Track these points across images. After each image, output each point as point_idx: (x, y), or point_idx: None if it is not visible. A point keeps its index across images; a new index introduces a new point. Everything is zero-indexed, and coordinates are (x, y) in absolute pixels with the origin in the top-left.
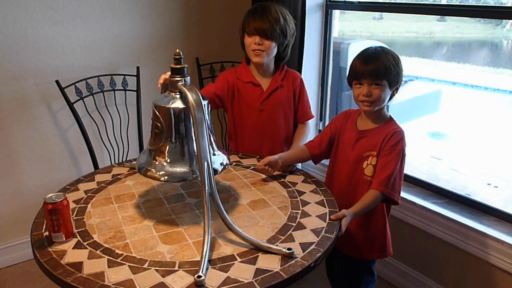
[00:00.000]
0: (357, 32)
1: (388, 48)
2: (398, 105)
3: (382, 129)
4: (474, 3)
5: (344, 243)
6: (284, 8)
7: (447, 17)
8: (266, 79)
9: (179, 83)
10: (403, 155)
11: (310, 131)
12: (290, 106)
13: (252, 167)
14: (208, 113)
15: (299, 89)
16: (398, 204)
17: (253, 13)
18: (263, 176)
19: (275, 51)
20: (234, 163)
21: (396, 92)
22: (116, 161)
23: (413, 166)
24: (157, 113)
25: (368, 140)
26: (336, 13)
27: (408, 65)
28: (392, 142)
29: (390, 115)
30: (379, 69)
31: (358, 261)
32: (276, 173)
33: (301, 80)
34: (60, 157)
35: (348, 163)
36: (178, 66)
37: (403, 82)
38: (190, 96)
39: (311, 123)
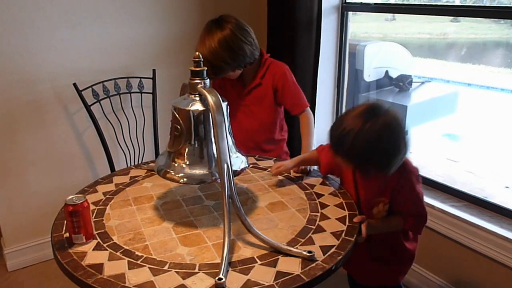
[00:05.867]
0: (369, 33)
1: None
2: (415, 106)
3: None
4: (488, 4)
5: (364, 276)
6: (236, 26)
7: (460, 18)
8: (249, 76)
9: (199, 86)
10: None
11: (313, 119)
12: (271, 103)
13: (269, 170)
14: (227, 115)
15: (280, 83)
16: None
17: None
18: (281, 178)
19: (237, 69)
20: (251, 165)
21: None
22: (132, 164)
23: (429, 169)
24: (177, 115)
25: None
26: (349, 14)
27: (423, 66)
28: None
29: None
30: None
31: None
32: (293, 175)
33: (283, 73)
34: (77, 159)
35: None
36: (197, 69)
37: (419, 84)
38: (210, 99)
39: (326, 120)
